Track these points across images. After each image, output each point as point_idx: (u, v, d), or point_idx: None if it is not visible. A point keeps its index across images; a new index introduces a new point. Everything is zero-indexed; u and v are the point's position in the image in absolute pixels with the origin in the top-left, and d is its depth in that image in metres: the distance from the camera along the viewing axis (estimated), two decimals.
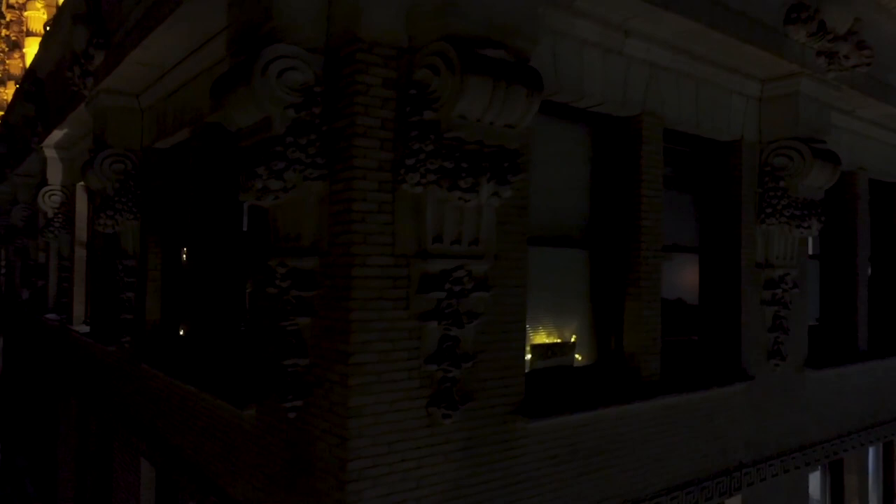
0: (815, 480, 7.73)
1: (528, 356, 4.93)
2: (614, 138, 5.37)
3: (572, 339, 5.28)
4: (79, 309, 10.11)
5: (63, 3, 8.93)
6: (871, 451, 8.53)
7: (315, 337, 4.00)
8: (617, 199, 5.37)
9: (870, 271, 8.29)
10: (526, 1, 3.97)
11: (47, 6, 41.55)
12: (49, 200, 10.53)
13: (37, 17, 42.78)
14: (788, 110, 6.17)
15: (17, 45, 44.37)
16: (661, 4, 4.68)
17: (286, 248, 4.07)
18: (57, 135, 9.62)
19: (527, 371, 4.88)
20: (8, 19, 45.38)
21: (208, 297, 5.62)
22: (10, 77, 43.32)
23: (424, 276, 3.90)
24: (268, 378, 4.39)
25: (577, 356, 5.28)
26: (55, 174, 10.46)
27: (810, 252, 7.75)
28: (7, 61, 44.88)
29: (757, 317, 6.32)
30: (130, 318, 7.18)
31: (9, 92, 39.99)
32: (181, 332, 6.64)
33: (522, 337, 4.47)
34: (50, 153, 10.38)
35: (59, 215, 10.49)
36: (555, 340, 5.19)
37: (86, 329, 9.43)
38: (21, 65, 42.23)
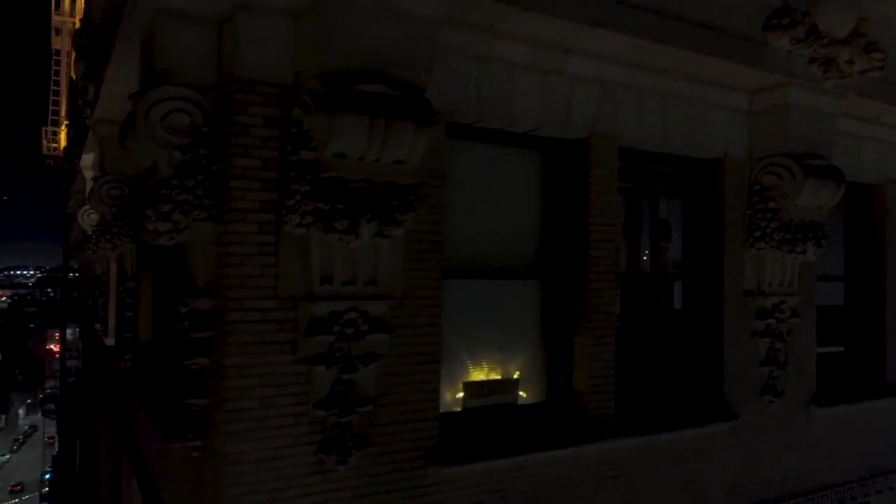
0: None
1: (460, 395, 4.72)
2: (563, 163, 5.05)
3: (515, 376, 5.00)
4: (111, 323, 10.65)
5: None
6: None
7: (210, 378, 3.97)
8: (566, 227, 5.04)
9: None
10: (414, 32, 3.77)
11: None
12: (88, 219, 11.13)
13: None
14: (778, 124, 5.62)
15: None
16: (591, 22, 4.35)
17: (188, 287, 4.06)
18: (87, 158, 10.16)
19: (459, 410, 4.69)
20: None
21: (166, 324, 5.73)
22: None
23: (312, 320, 3.78)
24: (181, 414, 4.40)
25: (521, 393, 5.00)
26: None
27: (834, 273, 7.10)
28: None
29: (746, 349, 5.79)
30: (130, 337, 7.47)
31: None
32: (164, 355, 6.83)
33: (436, 378, 4.26)
34: (87, 174, 10.98)
35: (96, 233, 11.08)
36: (494, 377, 4.94)
37: (112, 343, 9.91)
38: None
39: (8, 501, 56.35)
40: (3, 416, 79.44)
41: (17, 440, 73.66)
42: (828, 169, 5.64)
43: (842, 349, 7.15)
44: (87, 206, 11.26)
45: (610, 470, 4.94)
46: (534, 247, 5.10)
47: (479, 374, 4.89)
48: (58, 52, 23.57)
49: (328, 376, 3.84)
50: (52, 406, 53.98)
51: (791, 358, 6.04)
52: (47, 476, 44.97)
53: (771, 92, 5.59)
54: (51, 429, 53.29)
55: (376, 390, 4.02)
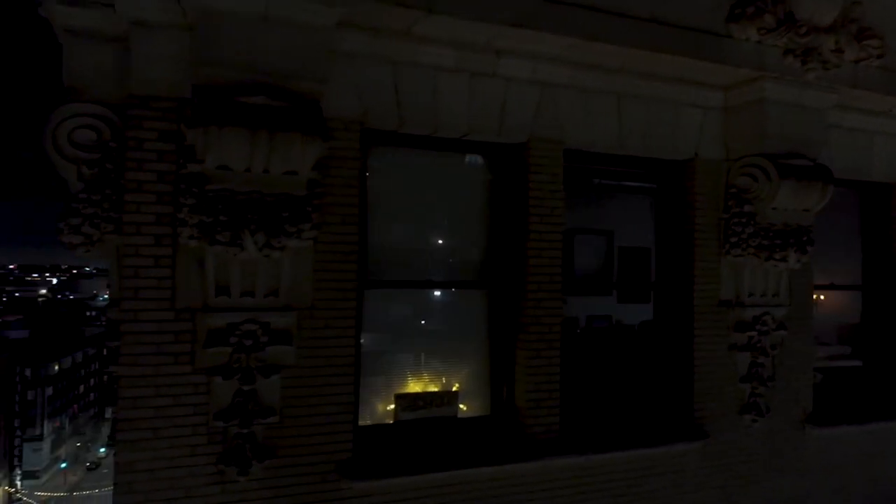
0: None
1: (391, 407, 4.63)
2: (504, 168, 4.87)
3: (454, 388, 4.86)
4: None
5: None
6: None
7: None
8: (507, 234, 4.85)
9: None
10: (304, 42, 3.72)
11: None
12: None
13: None
14: (754, 121, 5.20)
15: None
16: (510, 23, 4.16)
17: (110, 298, 4.18)
18: None
19: (391, 422, 4.60)
20: None
21: None
22: None
23: (210, 331, 3.81)
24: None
25: (462, 407, 4.85)
26: None
27: (851, 282, 6.52)
28: None
29: (723, 364, 5.39)
30: None
31: None
32: None
33: (349, 390, 4.19)
34: None
35: None
36: (432, 389, 4.81)
37: None
38: None
39: None
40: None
41: None
42: (811, 169, 5.17)
43: (860, 364, 6.56)
44: None
45: (553, 490, 4.71)
46: (480, 255, 4.94)
47: (415, 386, 4.78)
48: None
49: (229, 387, 3.86)
50: None
51: (780, 374, 5.58)
52: None
53: (744, 87, 5.18)
54: None
55: (282, 402, 4.00)
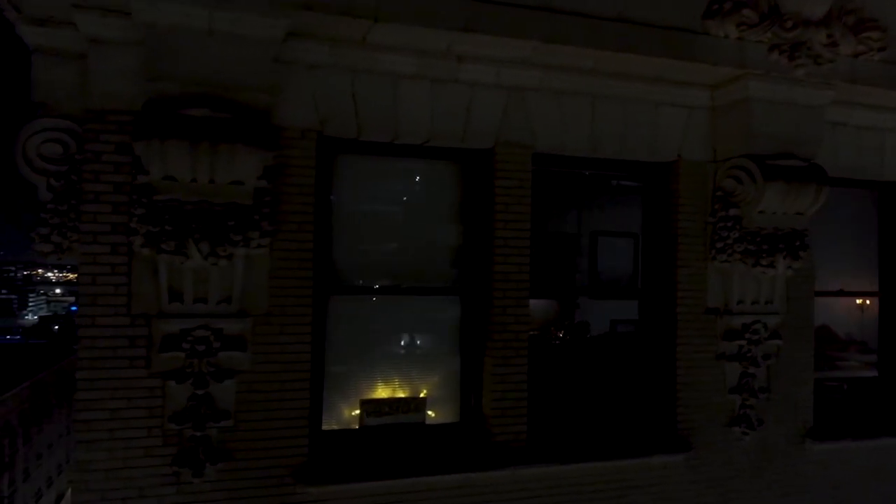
0: None
1: (357, 412, 4.66)
2: (471, 174, 4.83)
3: (421, 395, 4.84)
4: None
5: None
6: None
7: None
8: (475, 241, 4.81)
9: None
10: (251, 55, 3.79)
11: None
12: None
13: None
14: (740, 121, 4.98)
15: None
16: (460, 28, 4.12)
17: None
18: None
19: (356, 428, 4.64)
20: None
21: None
22: None
23: (164, 337, 3.94)
24: None
25: (430, 413, 4.83)
26: None
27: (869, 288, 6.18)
28: None
29: (711, 374, 5.18)
30: None
31: None
32: None
33: (305, 395, 4.24)
34: None
35: None
36: (400, 395, 4.81)
37: None
38: None
39: None
40: None
41: None
42: (802, 170, 4.91)
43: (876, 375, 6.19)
44: None
45: (521, 500, 4.64)
46: (451, 261, 4.91)
47: (383, 392, 4.79)
48: None
49: (183, 391, 3.97)
50: None
51: (776, 385, 5.33)
52: None
53: (730, 86, 4.97)
54: None
55: (237, 406, 4.09)
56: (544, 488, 4.69)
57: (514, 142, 4.69)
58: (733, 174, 4.96)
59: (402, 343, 4.87)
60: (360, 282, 4.70)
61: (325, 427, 4.55)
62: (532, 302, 9.29)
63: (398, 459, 4.50)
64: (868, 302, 6.77)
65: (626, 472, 4.92)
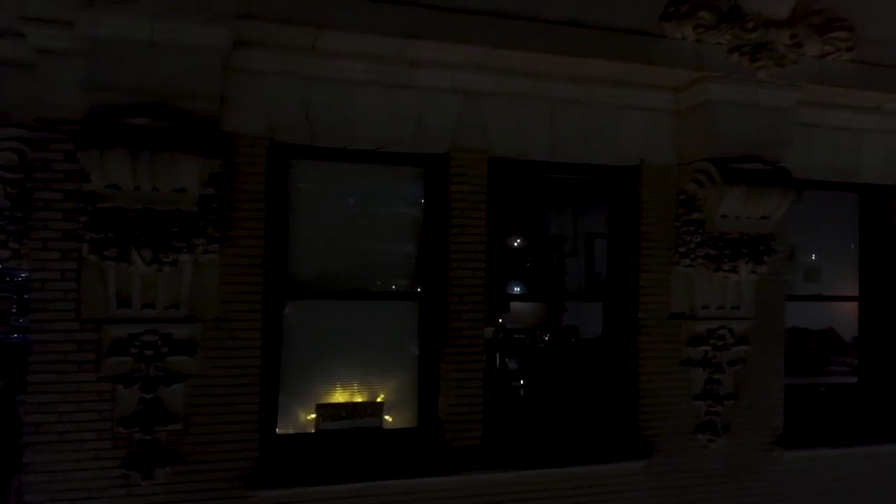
0: None
1: (312, 416, 4.70)
2: (427, 178, 4.83)
3: (378, 399, 4.86)
4: None
5: None
6: None
7: None
8: (432, 245, 4.81)
9: None
10: (196, 64, 3.84)
11: None
12: None
13: None
14: (701, 124, 4.92)
15: None
16: (406, 35, 4.13)
17: None
18: None
19: (313, 432, 4.67)
20: None
21: None
22: None
23: (113, 341, 4.00)
24: None
25: (387, 418, 4.85)
26: None
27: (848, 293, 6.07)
28: None
29: (675, 380, 5.12)
30: None
31: None
32: None
33: (255, 399, 4.28)
34: None
35: None
36: (358, 400, 4.84)
37: None
38: None
39: None
40: None
41: None
42: (765, 173, 4.83)
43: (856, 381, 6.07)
44: None
45: None
46: (410, 266, 4.92)
47: (340, 397, 4.82)
48: None
49: (131, 395, 4.04)
50: None
51: (744, 391, 5.25)
52: None
53: (691, 89, 4.91)
54: None
55: (187, 410, 4.15)
56: (500, 494, 4.68)
57: (470, 147, 4.69)
58: (695, 178, 4.90)
59: (360, 348, 4.88)
60: (317, 287, 4.74)
61: (280, 431, 4.59)
62: (521, 305, 9.29)
63: (351, 464, 4.52)
64: None
65: (585, 479, 4.88)
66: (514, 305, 8.68)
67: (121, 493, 4.06)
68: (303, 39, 4.18)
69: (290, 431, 4.66)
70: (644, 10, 4.61)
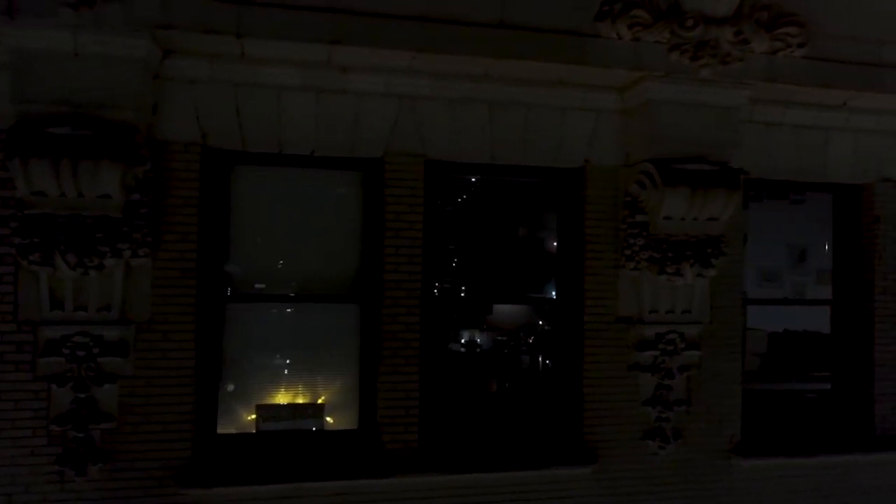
0: None
1: (251, 416, 4.79)
2: (365, 182, 4.86)
3: (319, 401, 4.91)
4: None
5: None
6: None
7: None
8: (369, 249, 4.84)
9: None
10: (121, 75, 3.96)
11: None
12: None
13: None
14: (644, 124, 4.83)
15: None
16: (327, 40, 4.16)
17: None
18: None
19: (253, 432, 4.76)
20: None
21: None
22: None
23: (47, 342, 4.16)
24: None
25: (328, 419, 4.90)
26: None
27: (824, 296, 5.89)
28: None
29: (624, 385, 5.03)
30: None
31: None
32: None
33: (189, 400, 4.39)
34: None
35: None
36: (300, 401, 4.90)
37: None
38: None
39: None
40: None
41: None
42: (709, 174, 4.71)
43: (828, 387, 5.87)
44: None
45: None
46: (351, 270, 4.95)
47: (282, 398, 4.89)
48: None
49: (66, 394, 4.19)
50: None
51: (698, 398, 5.13)
52: None
53: (634, 88, 4.82)
54: None
55: (121, 409, 4.28)
56: (435, 497, 4.68)
57: (405, 151, 4.71)
58: (638, 179, 4.81)
59: (304, 350, 4.95)
60: (259, 290, 4.82)
61: (222, 431, 4.69)
62: (505, 308, 9.22)
63: (287, 464, 4.58)
64: None
65: (526, 484, 4.84)
66: (499, 308, 8.64)
67: (56, 489, 4.21)
68: (230, 47, 4.26)
69: (232, 431, 4.76)
70: (578, 10, 4.54)
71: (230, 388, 4.77)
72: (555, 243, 5.28)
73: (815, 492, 5.36)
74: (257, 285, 4.82)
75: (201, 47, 4.25)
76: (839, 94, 5.15)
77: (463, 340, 7.96)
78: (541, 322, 9.04)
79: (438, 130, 4.76)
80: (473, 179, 5.79)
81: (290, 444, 4.73)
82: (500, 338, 8.08)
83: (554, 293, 5.34)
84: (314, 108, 4.58)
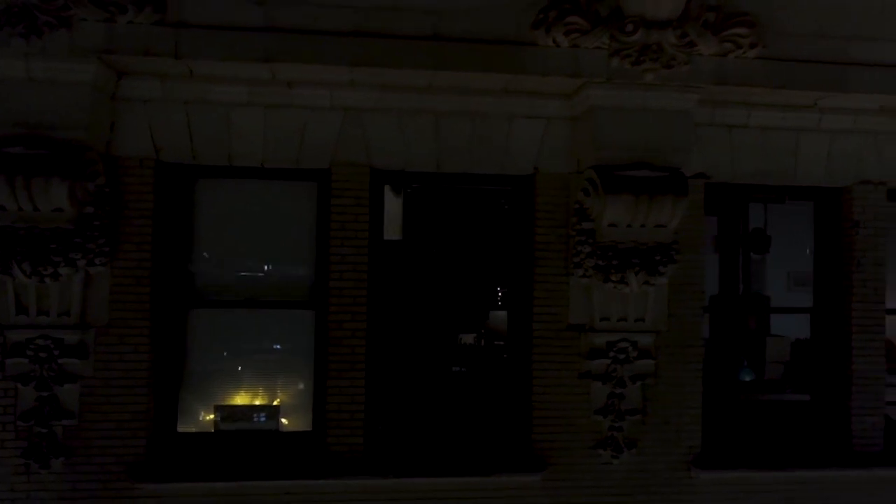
0: None
1: (211, 416, 5.03)
2: (316, 193, 5.02)
3: (275, 403, 5.10)
4: None
5: None
6: None
7: None
8: (318, 257, 5.00)
9: None
10: (72, 97, 4.26)
11: None
12: None
13: None
14: (588, 130, 4.79)
15: None
16: (261, 59, 4.34)
17: None
18: None
19: (212, 431, 5.00)
20: None
21: None
22: None
23: (13, 344, 4.52)
24: None
25: (283, 421, 5.09)
26: None
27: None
28: None
29: (575, 393, 5.00)
30: None
31: None
32: None
33: (144, 400, 4.66)
34: None
35: None
36: (258, 403, 5.11)
37: None
38: None
39: None
40: None
41: None
42: (653, 181, 4.62)
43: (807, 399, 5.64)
44: None
45: None
46: (309, 277, 5.13)
47: (240, 399, 5.11)
48: None
49: (30, 392, 4.54)
50: None
51: (654, 408, 5.04)
52: None
53: (578, 95, 4.79)
54: None
55: (81, 407, 4.60)
56: (378, 501, 4.79)
57: (350, 161, 4.84)
58: (584, 187, 4.78)
59: (262, 354, 5.16)
60: (218, 296, 5.06)
61: (181, 429, 4.96)
62: (501, 313, 9.18)
63: (240, 463, 4.80)
64: None
65: (473, 490, 4.88)
66: (497, 314, 8.67)
67: (23, 480, 4.56)
68: (178, 68, 4.51)
69: (193, 430, 5.01)
70: (515, 19, 4.55)
71: (190, 389, 5.02)
72: (509, 250, 5.28)
73: None
74: (216, 292, 5.05)
75: (152, 68, 4.51)
76: (807, 95, 4.96)
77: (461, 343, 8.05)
78: None
79: (384, 141, 4.87)
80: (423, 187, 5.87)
81: (247, 443, 4.95)
82: (497, 342, 8.12)
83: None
84: (262, 122, 4.77)
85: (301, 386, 5.12)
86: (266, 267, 5.13)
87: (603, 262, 4.72)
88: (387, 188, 6.24)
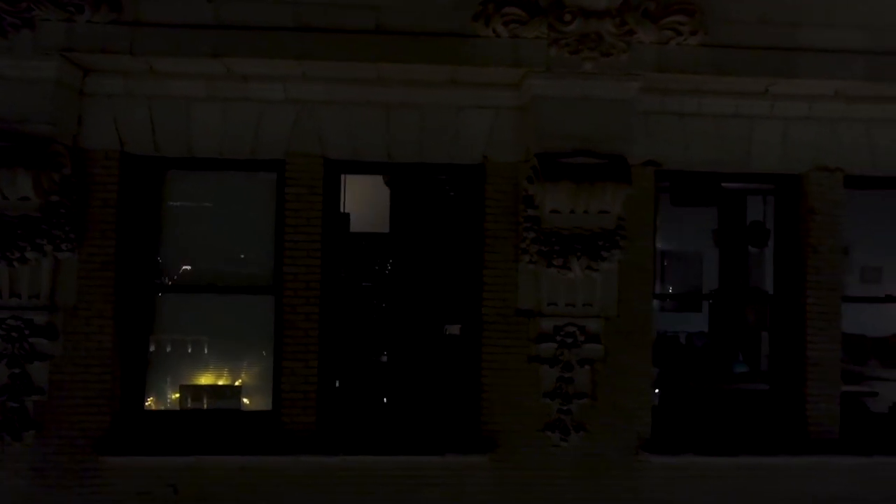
0: None
1: (177, 395, 5.29)
2: (274, 182, 5.24)
3: (237, 383, 5.34)
4: None
5: None
6: None
7: None
8: (275, 244, 5.22)
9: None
10: (35, 92, 4.56)
11: None
12: None
13: None
14: (532, 119, 4.90)
15: None
16: (209, 55, 4.58)
17: None
18: None
19: (178, 410, 5.27)
20: None
21: None
22: None
23: None
24: None
25: (245, 401, 5.32)
26: None
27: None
28: None
29: (524, 377, 5.10)
30: None
31: None
32: None
33: (108, 378, 4.93)
34: None
35: None
36: (221, 383, 5.35)
37: None
38: None
39: None
40: None
41: None
42: (593, 168, 4.71)
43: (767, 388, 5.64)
44: None
45: (308, 486, 4.97)
46: (269, 264, 5.34)
47: (205, 380, 5.36)
48: None
49: (3, 370, 4.85)
50: None
51: (603, 392, 5.11)
52: None
53: (522, 85, 4.90)
54: None
55: (51, 384, 4.90)
56: (329, 477, 4.98)
57: (303, 152, 5.04)
58: (528, 174, 4.89)
59: (226, 336, 5.40)
60: (184, 281, 5.32)
61: (152, 408, 5.24)
62: None
63: (201, 439, 5.04)
64: None
65: (422, 468, 5.03)
66: None
67: None
68: (139, 65, 4.78)
69: (162, 408, 5.28)
70: (457, 11, 4.69)
71: (158, 370, 5.29)
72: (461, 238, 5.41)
73: (739, 494, 5.17)
74: (181, 277, 5.31)
75: (115, 66, 4.79)
76: (756, 82, 4.97)
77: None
78: None
79: (336, 132, 5.05)
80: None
81: (210, 422, 5.19)
82: None
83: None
84: (220, 115, 5.01)
85: (262, 368, 5.34)
86: (229, 254, 5.37)
87: (546, 247, 4.82)
88: (378, 181, 6.54)
